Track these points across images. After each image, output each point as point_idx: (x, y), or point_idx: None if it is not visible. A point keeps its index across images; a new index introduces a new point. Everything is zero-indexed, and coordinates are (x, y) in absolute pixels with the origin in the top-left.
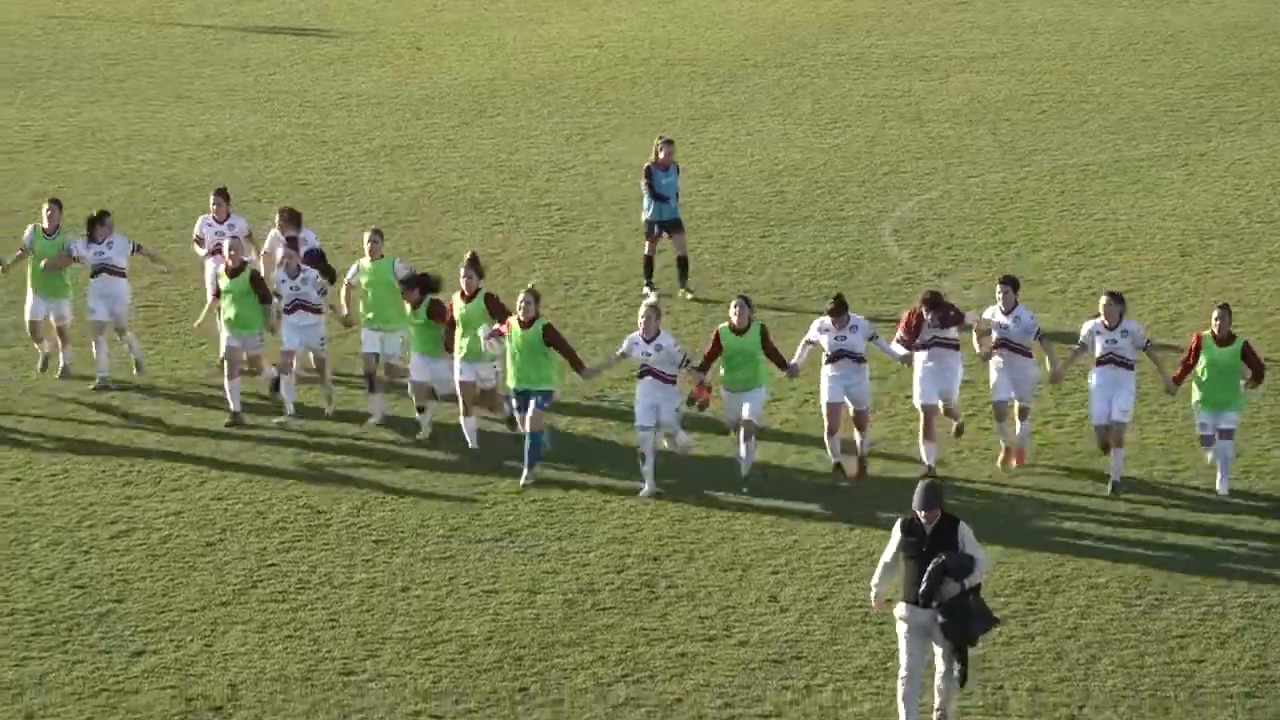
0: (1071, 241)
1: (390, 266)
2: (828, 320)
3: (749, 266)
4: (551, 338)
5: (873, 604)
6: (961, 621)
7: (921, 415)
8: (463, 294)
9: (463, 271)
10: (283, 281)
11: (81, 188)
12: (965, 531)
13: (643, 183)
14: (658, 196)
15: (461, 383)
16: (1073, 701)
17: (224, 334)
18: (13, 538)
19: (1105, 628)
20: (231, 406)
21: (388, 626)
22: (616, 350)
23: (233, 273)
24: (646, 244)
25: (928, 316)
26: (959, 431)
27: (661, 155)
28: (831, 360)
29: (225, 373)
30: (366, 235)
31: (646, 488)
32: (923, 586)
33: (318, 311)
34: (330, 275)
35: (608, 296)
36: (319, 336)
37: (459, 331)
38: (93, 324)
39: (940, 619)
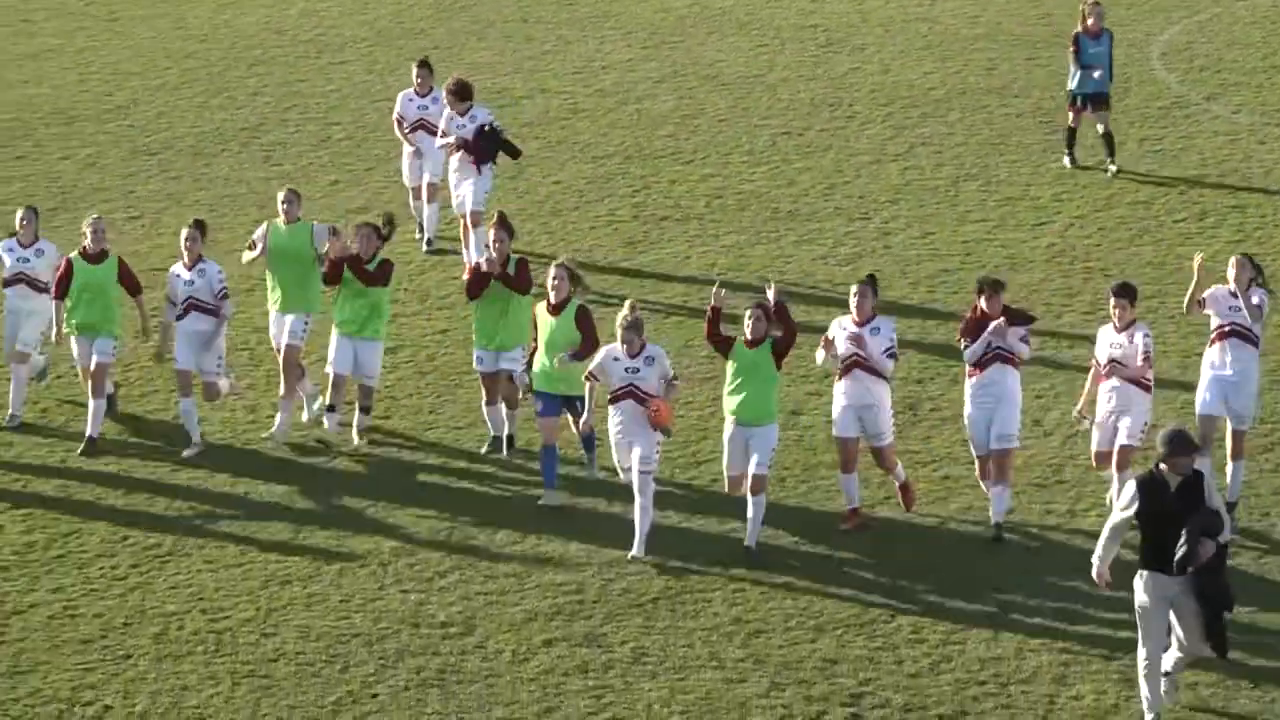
0: None
1: (309, 235)
2: (847, 319)
3: (1014, 89)
4: (584, 323)
5: (1097, 577)
6: (1222, 586)
7: (977, 463)
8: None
9: (492, 235)
10: (176, 276)
11: None
12: (1210, 483)
13: (1070, 51)
14: (1084, 66)
15: (482, 374)
16: None
17: (73, 340)
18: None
19: None
20: (88, 430)
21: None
22: (590, 364)
23: (94, 258)
24: (1070, 115)
25: (986, 306)
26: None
27: (1090, 21)
28: (845, 372)
29: (89, 389)
30: (281, 195)
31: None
32: (1182, 551)
33: (214, 314)
34: (512, 151)
35: (872, 119)
36: (217, 355)
37: (478, 312)
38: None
39: (1198, 585)
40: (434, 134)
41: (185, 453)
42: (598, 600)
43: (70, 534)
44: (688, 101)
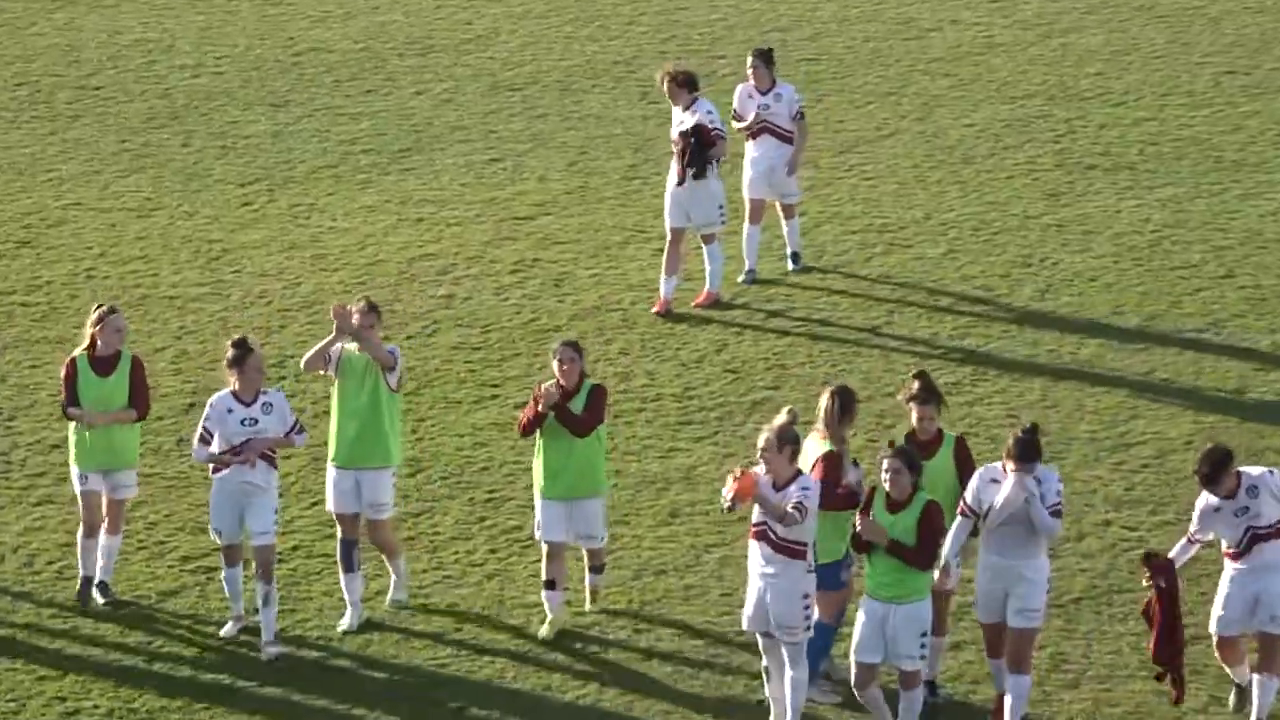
0: None
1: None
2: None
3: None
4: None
5: None
6: None
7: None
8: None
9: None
10: (228, 411)
11: None
12: None
13: None
14: None
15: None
16: None
17: (74, 469)
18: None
19: None
20: (83, 570)
21: (1074, 426)
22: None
23: (104, 365)
24: None
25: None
26: None
27: None
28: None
29: (83, 528)
30: (356, 308)
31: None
32: None
33: (273, 463)
34: (699, 164)
35: None
36: (271, 510)
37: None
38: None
39: None
40: (783, 138)
41: (223, 630)
42: None
43: (421, 514)
44: (1119, 35)
